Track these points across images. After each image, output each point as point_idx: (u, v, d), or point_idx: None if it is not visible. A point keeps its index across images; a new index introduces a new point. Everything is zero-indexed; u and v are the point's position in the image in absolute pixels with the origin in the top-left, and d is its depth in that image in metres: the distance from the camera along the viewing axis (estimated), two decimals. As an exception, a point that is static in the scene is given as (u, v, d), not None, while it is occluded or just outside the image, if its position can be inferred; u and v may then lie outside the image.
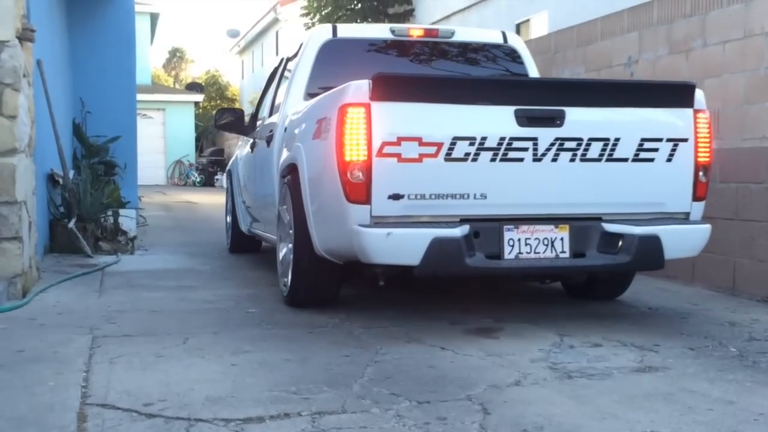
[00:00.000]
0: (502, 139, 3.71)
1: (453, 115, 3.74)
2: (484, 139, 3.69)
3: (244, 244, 7.02)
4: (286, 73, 5.55)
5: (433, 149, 3.65)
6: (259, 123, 6.12)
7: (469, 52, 5.34)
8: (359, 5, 16.29)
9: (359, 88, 3.65)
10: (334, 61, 5.06)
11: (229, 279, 5.62)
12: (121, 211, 7.66)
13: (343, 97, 3.69)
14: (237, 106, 35.61)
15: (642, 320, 4.29)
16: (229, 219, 7.46)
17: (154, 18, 26.57)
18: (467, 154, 3.67)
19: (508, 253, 3.76)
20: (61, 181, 6.78)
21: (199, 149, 29.75)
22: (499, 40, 5.39)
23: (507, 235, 3.76)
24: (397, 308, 4.48)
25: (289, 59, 5.64)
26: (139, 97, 10.53)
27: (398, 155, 3.62)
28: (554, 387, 2.96)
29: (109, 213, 7.41)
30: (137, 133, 9.62)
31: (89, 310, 4.32)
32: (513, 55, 5.35)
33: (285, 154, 4.65)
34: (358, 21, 15.80)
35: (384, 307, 4.51)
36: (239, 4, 74.35)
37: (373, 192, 3.59)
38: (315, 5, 17.00)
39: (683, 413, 2.66)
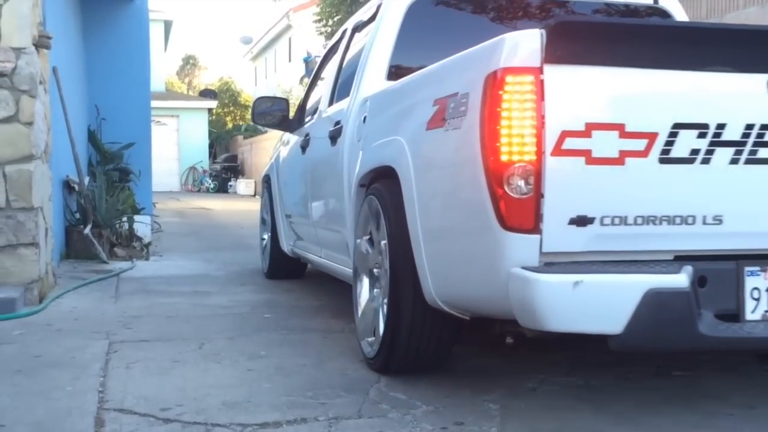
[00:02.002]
0: (750, 127, 2.39)
1: (673, 89, 2.41)
2: (721, 127, 2.37)
3: (286, 269, 5.70)
4: (353, 46, 4.33)
5: (641, 144, 2.33)
6: (309, 118, 4.89)
7: (604, 14, 4.01)
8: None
9: (524, 44, 2.32)
10: (427, 28, 3.87)
11: (245, 285, 5.62)
12: (136, 218, 7.69)
13: (493, 59, 2.35)
14: (249, 113, 35.76)
15: None
16: (265, 237, 5.97)
17: (167, 25, 26.74)
18: (695, 153, 2.36)
19: (752, 311, 2.39)
20: (76, 187, 6.81)
21: (213, 156, 29.86)
22: (648, 0, 4.08)
23: (750, 282, 2.41)
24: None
25: (356, 29, 4.38)
26: (153, 104, 10.58)
27: (587, 153, 2.31)
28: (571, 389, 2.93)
29: (124, 219, 7.44)
30: (151, 139, 9.67)
31: (105, 316, 4.34)
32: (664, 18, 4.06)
33: (368, 153, 3.37)
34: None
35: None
36: (252, 11, 74.69)
37: (545, 213, 2.28)
38: (327, 11, 17.06)
39: None
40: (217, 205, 18.03)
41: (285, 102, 5.38)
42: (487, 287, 2.43)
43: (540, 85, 2.29)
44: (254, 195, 24.02)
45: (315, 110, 4.75)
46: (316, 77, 5.27)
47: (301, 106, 5.26)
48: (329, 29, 17.29)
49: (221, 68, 72.83)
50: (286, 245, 5.38)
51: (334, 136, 3.95)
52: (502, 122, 2.30)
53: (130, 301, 4.82)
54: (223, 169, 27.55)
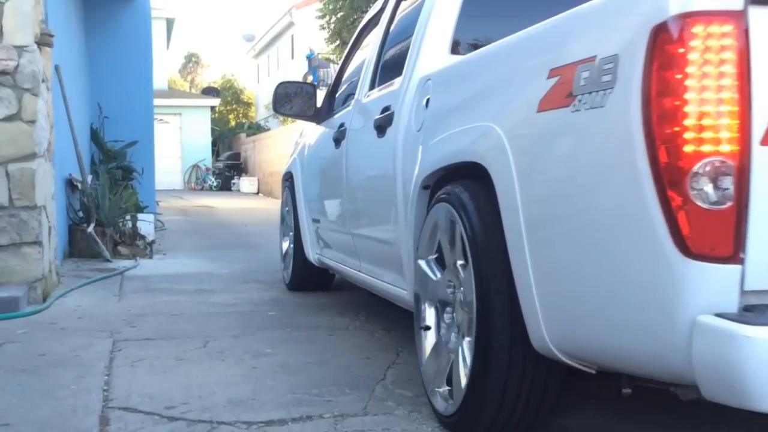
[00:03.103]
0: None
1: None
2: None
3: (312, 279, 5.02)
4: (400, 18, 3.62)
5: None
6: (342, 106, 4.20)
7: None
8: (374, 7, 16.29)
9: None
10: None
11: (248, 282, 5.61)
12: (139, 216, 7.69)
13: (663, 2, 1.59)
14: (252, 111, 35.82)
15: None
16: (287, 243, 5.28)
17: (169, 23, 26.74)
18: None
19: None
20: (79, 186, 6.81)
21: (216, 153, 29.88)
22: None
23: None
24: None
25: None
26: (156, 102, 10.58)
27: None
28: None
29: (128, 217, 7.44)
30: (154, 137, 9.67)
31: (109, 314, 4.33)
32: None
33: (434, 145, 2.64)
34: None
35: (405, 308, 4.48)
36: (254, 8, 74.71)
37: (751, 232, 1.56)
38: (330, 8, 17.04)
39: None
40: (220, 203, 18.03)
41: (312, 88, 4.70)
42: (650, 340, 1.66)
43: (743, 38, 1.53)
44: (257, 193, 24.04)
45: (348, 97, 4.14)
46: (348, 59, 4.56)
47: (331, 93, 4.60)
48: (332, 26, 17.26)
49: (224, 66, 72.92)
50: (311, 253, 4.69)
51: (382, 125, 3.22)
52: (686, 95, 1.55)
53: (134, 300, 4.81)
54: (226, 167, 27.55)
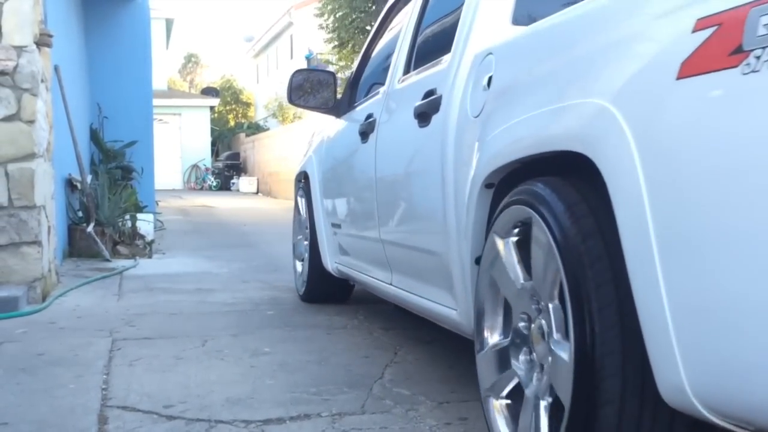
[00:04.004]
0: None
1: None
2: None
3: (329, 290, 4.55)
4: None
5: None
6: (367, 96, 3.76)
7: None
8: (374, 7, 16.31)
9: None
10: None
11: (247, 282, 5.62)
12: (139, 216, 7.70)
13: None
14: (251, 111, 35.81)
15: None
16: (302, 250, 4.78)
17: (169, 23, 26.77)
18: None
19: None
20: (79, 185, 6.82)
21: (215, 153, 29.90)
22: None
23: None
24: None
25: None
26: (156, 102, 10.60)
27: None
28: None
29: (127, 217, 7.45)
30: (153, 137, 9.68)
31: (108, 314, 4.34)
32: None
33: (503, 133, 2.12)
34: (372, 23, 15.83)
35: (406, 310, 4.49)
36: (254, 8, 74.69)
37: None
38: (329, 8, 17.05)
39: None
40: (219, 202, 18.04)
41: (332, 77, 4.20)
42: None
43: None
44: (257, 192, 24.04)
45: (373, 86, 3.77)
46: (373, 45, 4.09)
47: (352, 84, 4.13)
48: (330, 25, 17.27)
49: (223, 66, 72.87)
50: (330, 262, 4.21)
51: (426, 113, 2.72)
52: None
53: (133, 299, 4.82)
54: (226, 167, 27.57)
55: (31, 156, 4.60)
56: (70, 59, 7.19)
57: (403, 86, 3.19)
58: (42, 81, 4.77)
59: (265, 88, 32.12)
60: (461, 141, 2.44)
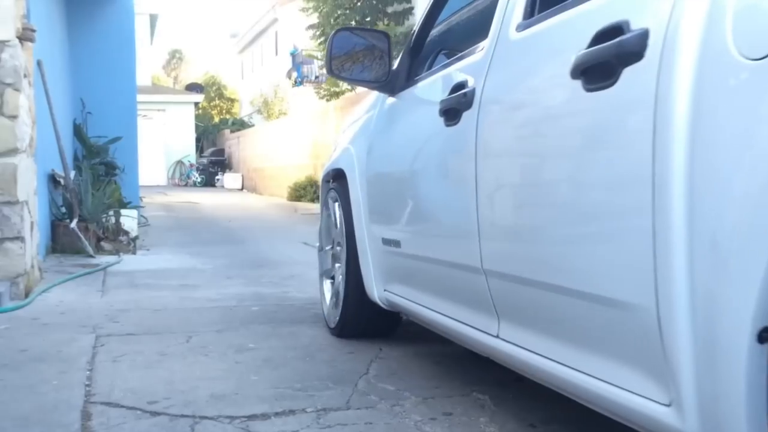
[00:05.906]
0: None
1: None
2: None
3: (371, 324, 3.54)
4: None
5: None
6: (453, 59, 2.60)
7: None
8: (358, 3, 16.27)
9: None
10: None
11: (232, 278, 5.61)
12: (123, 211, 7.67)
13: None
14: (236, 107, 35.69)
15: None
16: (335, 274, 3.72)
17: (153, 19, 26.64)
18: None
19: None
20: (62, 181, 6.78)
21: (200, 150, 29.80)
22: None
23: None
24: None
25: None
26: (140, 98, 10.55)
27: None
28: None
29: (111, 213, 7.42)
30: (138, 133, 9.64)
31: (92, 310, 4.31)
32: None
33: None
34: (357, 19, 15.81)
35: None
36: (238, 4, 74.34)
37: None
38: (314, 4, 17.00)
39: None
40: (204, 199, 17.98)
41: (386, 40, 3.15)
42: None
43: None
44: (241, 189, 23.99)
45: (441, 53, 3.02)
46: None
47: (413, 51, 3.09)
48: (316, 20, 17.21)
49: (207, 62, 72.47)
50: (376, 290, 3.25)
51: (603, 65, 1.58)
52: None
53: (117, 295, 4.80)
54: (210, 163, 27.49)
55: (13, 151, 4.57)
56: (53, 54, 7.14)
57: (527, 35, 2.06)
58: (24, 76, 4.74)
59: (249, 84, 32.01)
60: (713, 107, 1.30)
